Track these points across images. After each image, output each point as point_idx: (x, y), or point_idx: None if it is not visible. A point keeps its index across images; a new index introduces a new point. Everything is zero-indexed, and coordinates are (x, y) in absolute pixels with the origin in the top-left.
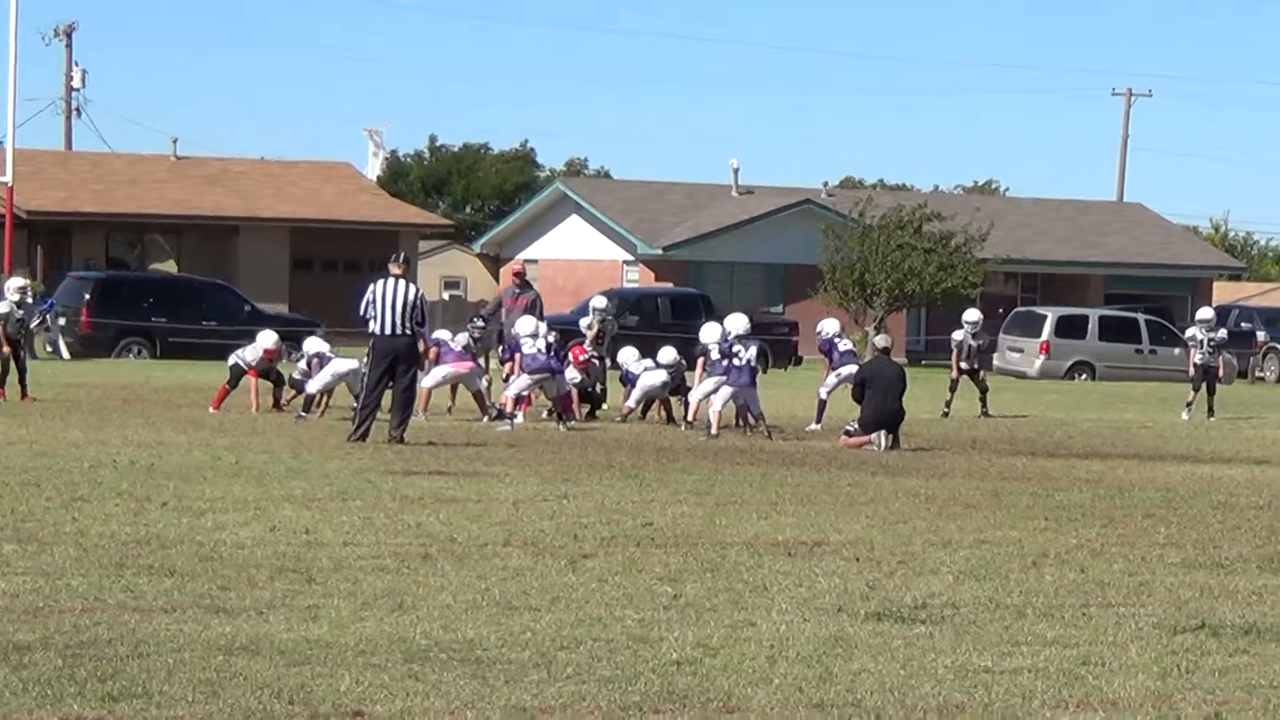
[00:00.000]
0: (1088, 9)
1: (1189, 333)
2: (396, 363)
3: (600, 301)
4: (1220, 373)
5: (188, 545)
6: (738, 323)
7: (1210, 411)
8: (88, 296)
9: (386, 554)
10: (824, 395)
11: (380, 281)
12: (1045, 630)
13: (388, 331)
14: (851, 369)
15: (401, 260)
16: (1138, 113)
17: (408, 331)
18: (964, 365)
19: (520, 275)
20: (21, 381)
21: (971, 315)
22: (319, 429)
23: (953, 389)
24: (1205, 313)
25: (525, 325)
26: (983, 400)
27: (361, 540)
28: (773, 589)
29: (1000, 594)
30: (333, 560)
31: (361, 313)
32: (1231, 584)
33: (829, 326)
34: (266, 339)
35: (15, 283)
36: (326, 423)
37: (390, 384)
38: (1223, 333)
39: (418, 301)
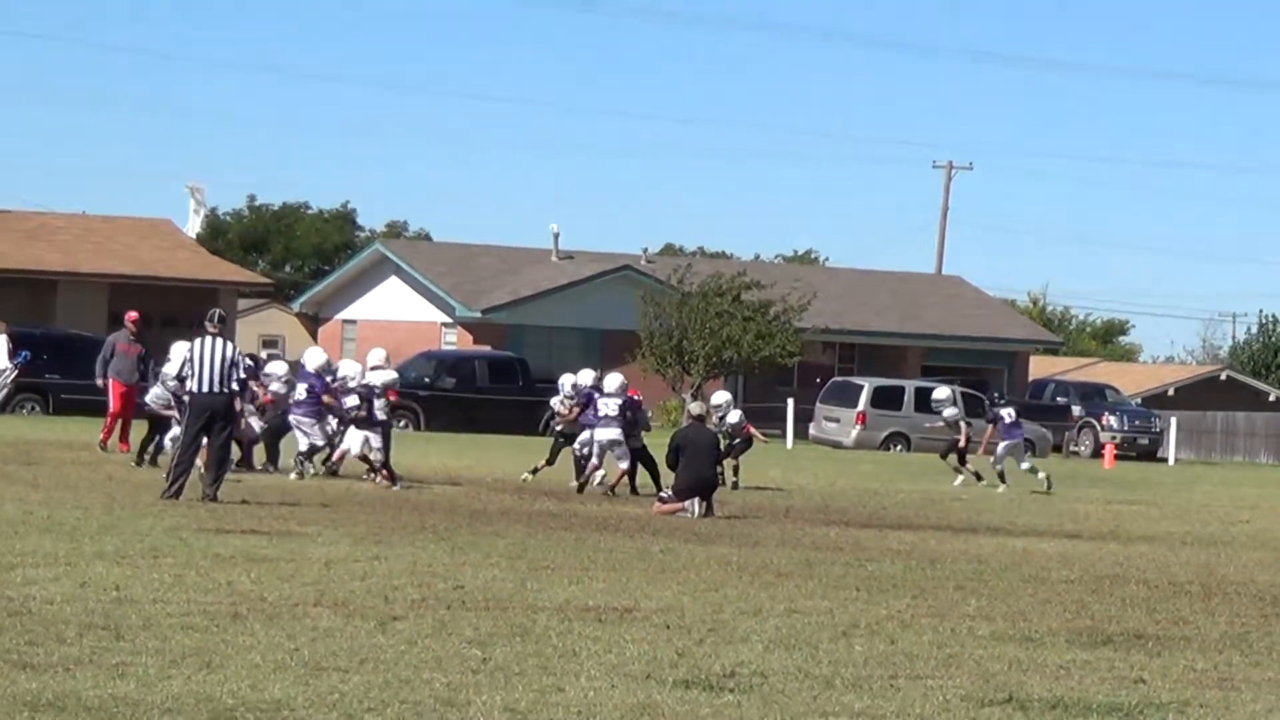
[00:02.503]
0: (910, 81)
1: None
2: (213, 420)
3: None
4: (963, 441)
5: None
6: (611, 382)
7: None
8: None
9: (196, 612)
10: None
11: (198, 340)
12: (853, 701)
13: (205, 389)
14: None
15: (217, 319)
16: (958, 185)
17: (226, 390)
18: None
19: (136, 323)
20: None
21: (717, 398)
22: (131, 486)
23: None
24: (942, 392)
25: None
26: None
27: (172, 598)
28: (582, 654)
29: (809, 663)
30: (142, 617)
31: (178, 372)
32: (1040, 657)
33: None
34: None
35: None
36: (142, 479)
37: (205, 441)
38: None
39: (236, 359)
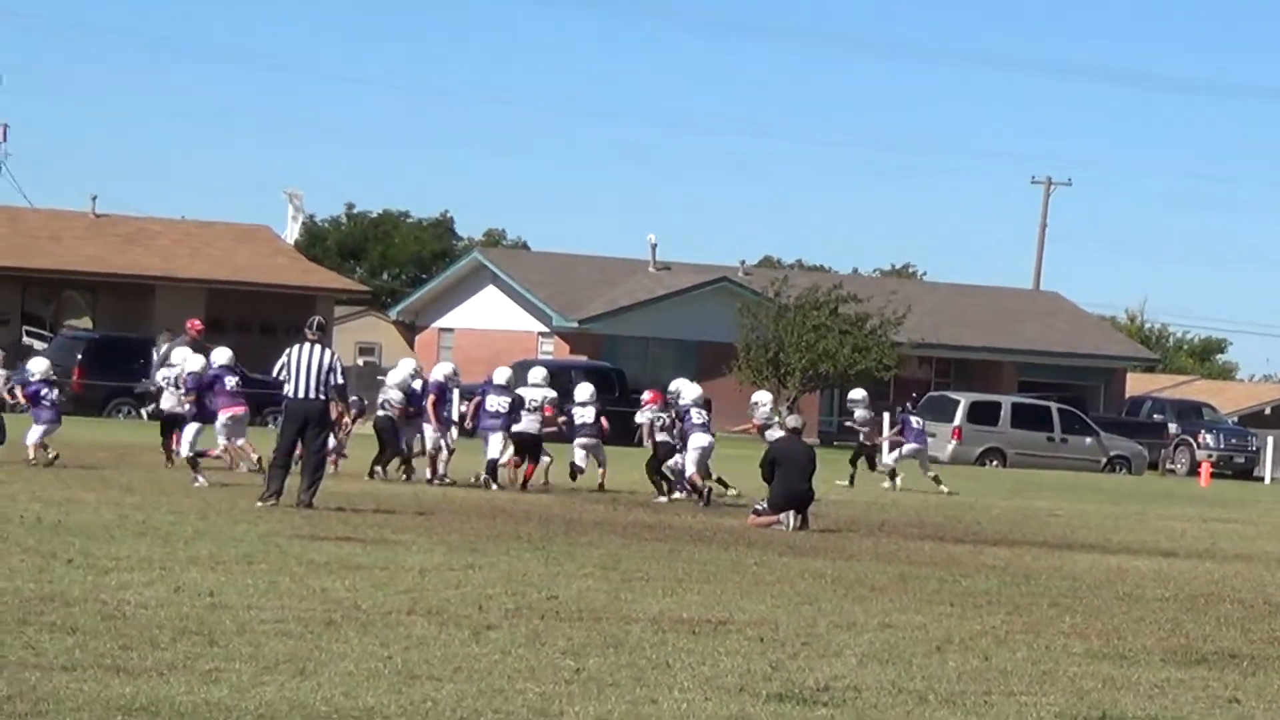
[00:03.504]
0: (1009, 96)
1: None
2: (307, 426)
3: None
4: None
5: (91, 604)
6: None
7: (851, 481)
8: (80, 356)
9: (290, 619)
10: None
11: (297, 346)
12: (947, 716)
13: (301, 395)
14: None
15: (316, 326)
16: (1056, 201)
17: (322, 396)
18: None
19: (200, 332)
20: None
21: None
22: (226, 491)
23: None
24: (857, 393)
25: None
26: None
27: (265, 604)
28: (675, 666)
29: (903, 679)
30: (236, 623)
31: (275, 374)
32: (1134, 676)
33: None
34: None
35: None
36: (233, 483)
37: (301, 447)
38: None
39: (334, 366)
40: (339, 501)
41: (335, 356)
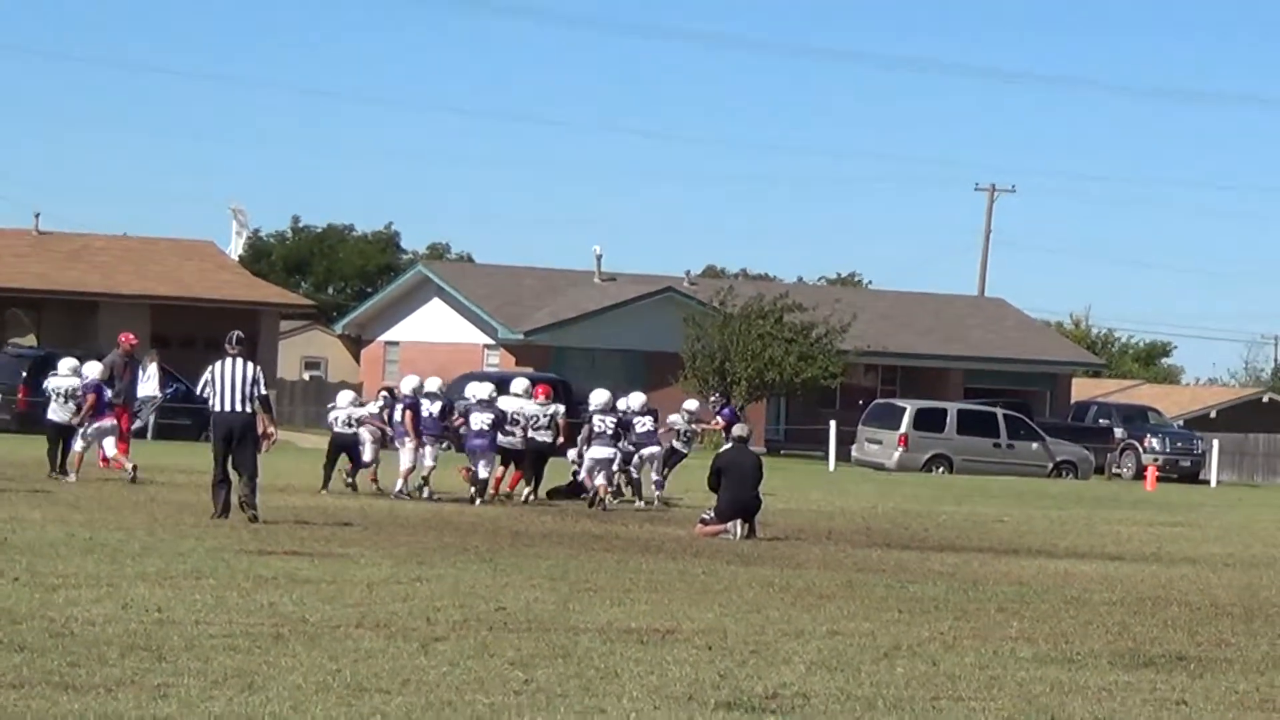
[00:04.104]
0: (951, 103)
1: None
2: (231, 437)
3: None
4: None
5: (39, 621)
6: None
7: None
8: (25, 374)
9: (238, 633)
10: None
11: (219, 362)
12: None
13: (227, 408)
14: (653, 449)
15: (235, 340)
16: (1000, 208)
17: (247, 408)
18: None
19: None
20: None
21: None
22: (174, 507)
23: None
24: (691, 404)
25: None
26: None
27: (214, 619)
28: (624, 676)
29: (851, 685)
30: (184, 639)
31: (200, 391)
32: (1082, 679)
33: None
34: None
35: None
36: (180, 500)
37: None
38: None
39: (256, 378)
40: (286, 516)
41: (257, 369)
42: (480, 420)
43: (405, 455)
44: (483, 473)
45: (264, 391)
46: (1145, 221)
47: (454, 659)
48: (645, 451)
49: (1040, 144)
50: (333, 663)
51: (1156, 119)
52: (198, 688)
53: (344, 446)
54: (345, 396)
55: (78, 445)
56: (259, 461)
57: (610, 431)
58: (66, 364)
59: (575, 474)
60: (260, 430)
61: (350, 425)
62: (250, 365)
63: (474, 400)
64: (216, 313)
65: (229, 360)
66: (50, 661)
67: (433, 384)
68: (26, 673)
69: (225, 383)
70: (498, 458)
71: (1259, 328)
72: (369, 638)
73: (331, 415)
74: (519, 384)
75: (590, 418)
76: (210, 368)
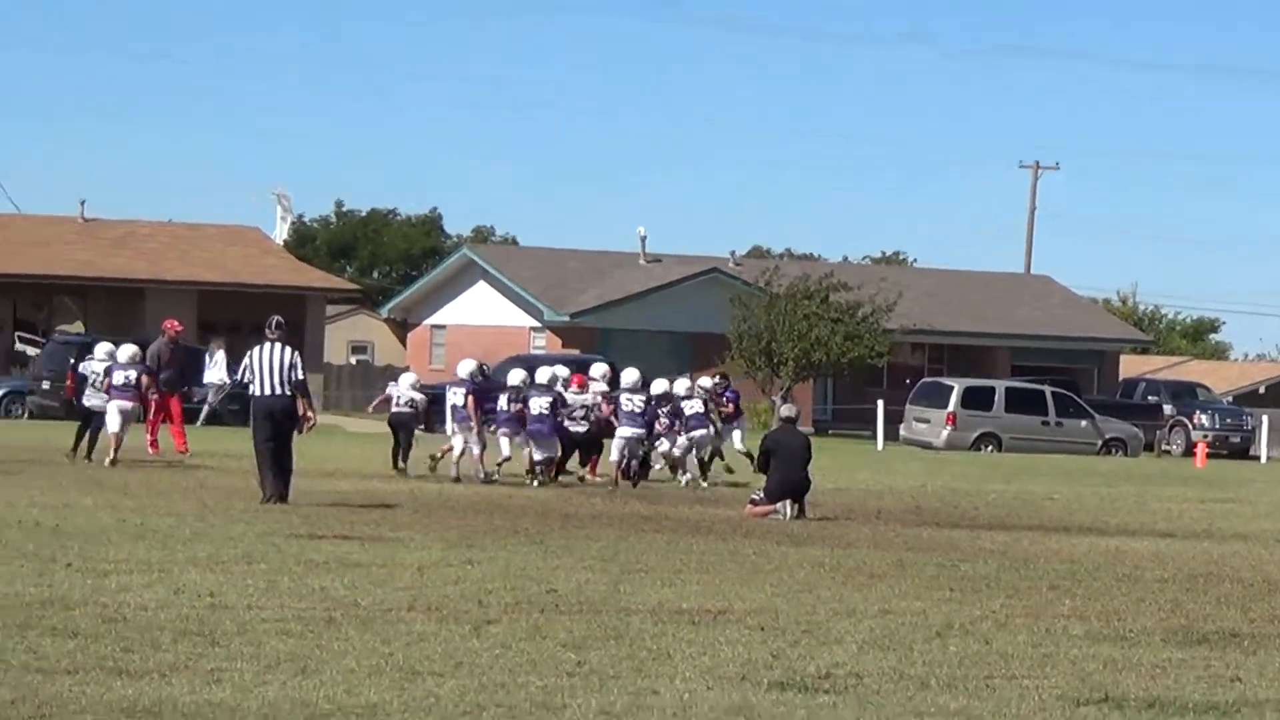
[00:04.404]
0: (995, 81)
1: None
2: (272, 420)
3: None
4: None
5: (92, 607)
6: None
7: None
8: (73, 361)
9: (290, 618)
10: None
11: (258, 347)
12: (949, 702)
13: (266, 392)
14: (701, 432)
15: (275, 325)
16: (1045, 185)
17: (286, 392)
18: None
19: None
20: None
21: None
22: (223, 492)
23: None
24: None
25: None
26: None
27: (265, 604)
28: (676, 657)
29: (904, 664)
30: (236, 623)
31: (240, 377)
32: (1136, 657)
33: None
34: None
35: None
36: (229, 485)
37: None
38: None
39: (294, 362)
40: (336, 499)
41: (295, 354)
42: (539, 404)
43: (474, 440)
44: (539, 455)
45: (301, 376)
46: (1191, 197)
47: (506, 641)
48: (695, 434)
49: (1083, 121)
50: (385, 646)
51: (1201, 94)
52: (251, 672)
53: (398, 426)
54: (407, 379)
55: (113, 426)
56: (294, 447)
57: (639, 410)
58: (102, 349)
59: (646, 454)
60: (300, 413)
61: (409, 406)
62: (289, 350)
63: (530, 386)
64: (262, 298)
65: (269, 345)
66: (103, 647)
67: (542, 375)
68: (80, 659)
69: (265, 368)
70: (557, 441)
71: None
72: (421, 621)
73: (393, 394)
74: (560, 369)
75: (618, 397)
76: (250, 353)
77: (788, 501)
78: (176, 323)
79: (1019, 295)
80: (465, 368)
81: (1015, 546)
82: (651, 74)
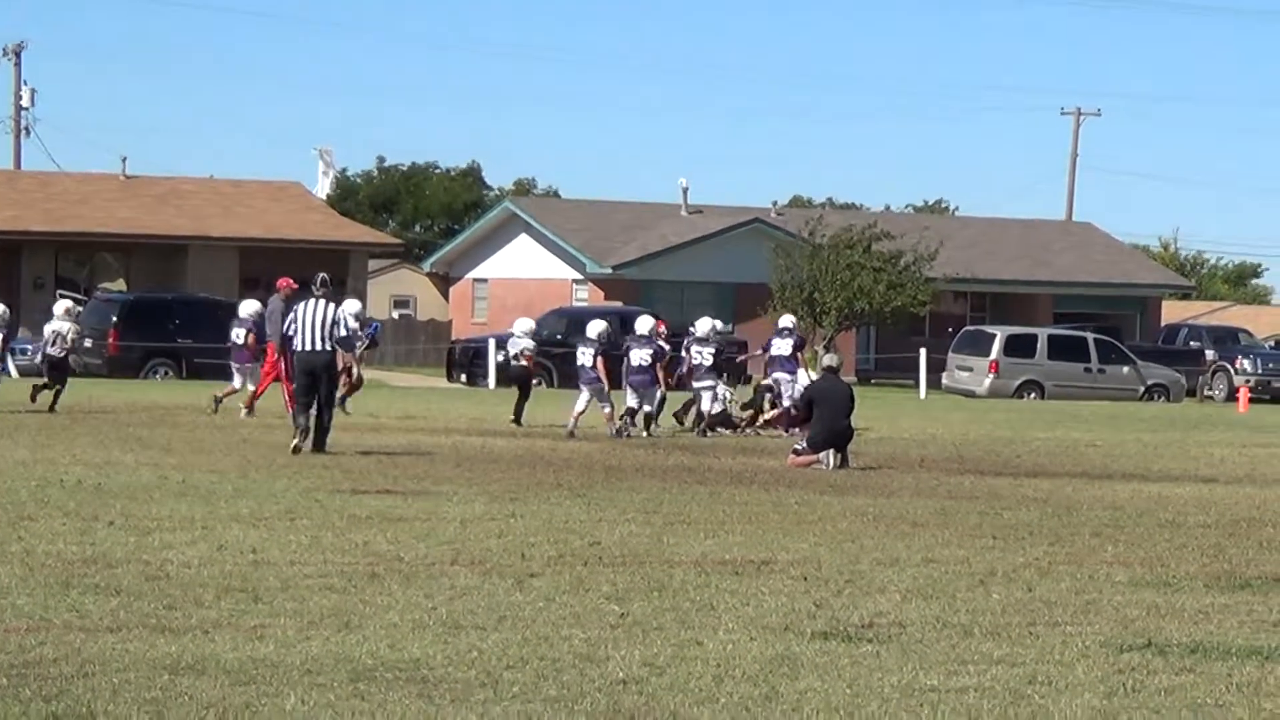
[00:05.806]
0: (1036, 29)
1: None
2: (314, 375)
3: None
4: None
5: (134, 564)
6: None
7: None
8: (115, 319)
9: (333, 573)
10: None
11: (303, 303)
12: (992, 649)
13: (308, 347)
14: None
15: (321, 283)
16: (1086, 132)
17: (327, 347)
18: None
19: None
20: None
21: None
22: (265, 448)
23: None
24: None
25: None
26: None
27: (308, 559)
28: (719, 608)
29: (947, 613)
30: (279, 579)
31: (285, 330)
32: (1178, 602)
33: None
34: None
35: None
36: (272, 440)
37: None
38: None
39: (337, 319)
40: (379, 453)
41: (339, 309)
42: (640, 356)
43: (604, 399)
44: (632, 402)
45: (344, 332)
46: (1232, 142)
47: (549, 594)
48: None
49: (1123, 67)
50: (428, 600)
51: (1242, 39)
52: (294, 628)
53: (515, 380)
54: (522, 325)
55: (236, 382)
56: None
57: (709, 363)
58: (59, 307)
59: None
60: (340, 367)
61: (518, 359)
62: (332, 306)
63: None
64: (305, 254)
65: (313, 301)
66: (147, 605)
67: (642, 326)
68: (124, 616)
69: (308, 323)
70: (660, 391)
71: None
72: (464, 575)
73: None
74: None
75: (689, 346)
76: (294, 308)
77: (830, 451)
78: (290, 280)
79: (1061, 242)
80: (595, 328)
81: (1058, 494)
82: (692, 24)
